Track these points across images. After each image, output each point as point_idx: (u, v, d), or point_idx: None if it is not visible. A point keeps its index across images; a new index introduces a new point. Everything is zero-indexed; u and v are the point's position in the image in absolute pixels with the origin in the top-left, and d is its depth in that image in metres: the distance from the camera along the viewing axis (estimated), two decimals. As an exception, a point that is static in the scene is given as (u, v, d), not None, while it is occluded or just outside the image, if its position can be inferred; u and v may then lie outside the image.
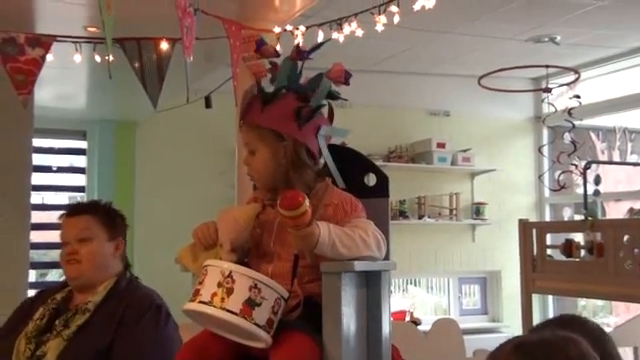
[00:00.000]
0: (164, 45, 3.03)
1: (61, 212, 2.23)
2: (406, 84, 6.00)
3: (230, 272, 1.56)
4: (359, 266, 1.64)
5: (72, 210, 2.20)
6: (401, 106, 6.15)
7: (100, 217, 2.18)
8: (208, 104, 4.82)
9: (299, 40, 3.08)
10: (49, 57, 2.97)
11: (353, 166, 1.94)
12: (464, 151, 6.25)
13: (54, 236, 5.94)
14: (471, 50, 5.23)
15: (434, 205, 6.17)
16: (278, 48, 1.87)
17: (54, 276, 5.84)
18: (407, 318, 5.90)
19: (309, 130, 1.77)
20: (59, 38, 3.02)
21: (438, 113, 6.38)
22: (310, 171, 1.77)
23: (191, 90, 2.77)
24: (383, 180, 1.95)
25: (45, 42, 2.96)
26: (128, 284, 2.18)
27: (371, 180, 1.97)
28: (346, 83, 1.80)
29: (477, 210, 6.32)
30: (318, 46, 1.84)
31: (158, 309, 2.07)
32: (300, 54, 1.78)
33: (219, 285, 1.55)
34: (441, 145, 6.10)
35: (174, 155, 5.68)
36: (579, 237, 3.82)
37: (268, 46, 1.84)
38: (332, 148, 1.84)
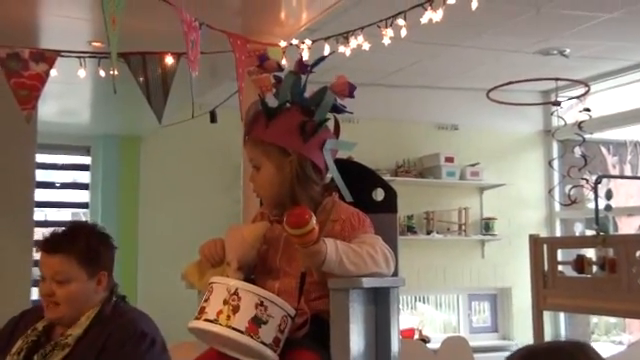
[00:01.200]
0: (169, 59, 3.04)
1: (41, 241, 2.05)
2: (414, 98, 6.01)
3: (236, 289, 1.56)
4: (367, 282, 1.63)
5: (46, 247, 2.02)
6: (409, 120, 6.16)
7: (76, 256, 1.98)
8: (213, 119, 4.84)
9: (304, 54, 3.09)
10: (53, 72, 2.99)
11: (361, 181, 1.94)
12: (473, 165, 6.24)
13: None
14: (479, 63, 5.24)
15: (442, 220, 6.15)
16: (284, 62, 1.89)
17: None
18: (416, 336, 5.87)
19: (314, 144, 1.77)
20: (63, 53, 3.04)
21: (446, 127, 6.38)
22: (316, 186, 1.77)
23: (196, 104, 2.78)
24: (391, 195, 1.95)
25: (49, 57, 2.98)
26: (113, 310, 2.03)
27: (379, 195, 1.97)
28: (350, 96, 1.80)
29: (486, 225, 6.30)
30: (321, 59, 1.85)
31: (142, 336, 1.93)
32: (302, 67, 1.79)
33: (225, 302, 1.55)
34: (449, 159, 6.09)
35: (179, 170, 5.69)
36: (591, 253, 3.80)
37: (271, 61, 1.85)
38: (339, 163, 1.85)
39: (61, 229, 2.06)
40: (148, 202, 5.68)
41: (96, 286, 2.02)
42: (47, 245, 2.02)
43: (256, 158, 1.77)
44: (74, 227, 2.08)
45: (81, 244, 2.01)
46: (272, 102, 1.81)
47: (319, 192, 1.78)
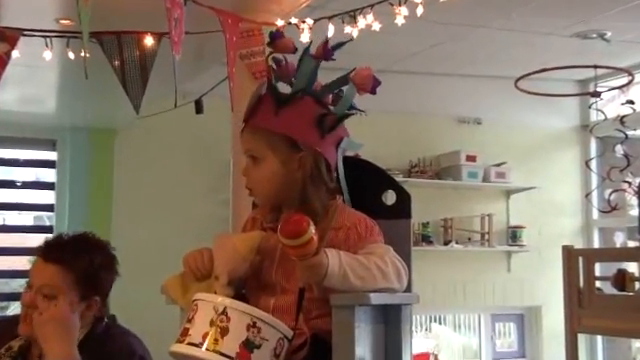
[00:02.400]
0: (149, 40, 3.05)
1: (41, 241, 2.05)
2: (430, 87, 6.01)
3: (225, 308, 1.56)
4: (376, 299, 1.63)
5: (43, 252, 2.00)
6: (425, 112, 6.16)
7: (75, 273, 1.97)
8: (199, 109, 4.85)
9: (305, 35, 3.10)
10: (15, 54, 2.99)
11: (369, 182, 1.95)
12: (498, 165, 6.24)
13: (17, 262, 5.93)
14: (507, 47, 5.24)
15: (463, 229, 6.15)
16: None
17: (17, 310, 5.82)
18: (431, 361, 5.88)
19: (330, 141, 1.79)
20: (26, 32, 3.04)
21: (468, 121, 6.38)
22: (325, 188, 1.78)
23: (180, 93, 2.78)
24: (404, 199, 1.95)
25: (10, 36, 2.98)
26: (105, 332, 2.03)
27: (390, 198, 1.97)
28: (372, 92, 1.81)
29: (513, 235, 6.30)
30: (341, 44, 1.85)
31: None
32: (327, 53, 1.79)
33: (212, 323, 1.55)
34: (471, 158, 6.10)
35: (159, 168, 5.69)
36: (633, 267, 3.80)
37: (285, 40, 1.84)
38: (345, 161, 1.85)
39: (67, 236, 2.06)
40: (123, 205, 5.68)
41: (85, 310, 2.02)
42: (45, 251, 2.01)
43: (257, 149, 1.77)
44: (82, 238, 2.08)
45: (84, 260, 2.01)
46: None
47: (327, 196, 1.79)
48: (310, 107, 1.78)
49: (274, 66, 1.84)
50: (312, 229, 1.52)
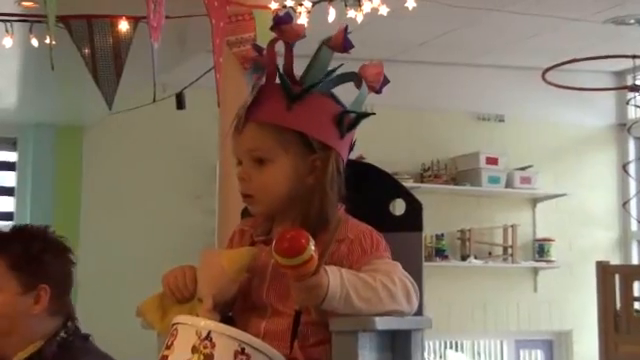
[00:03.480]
0: (123, 25, 3.06)
1: None
2: (445, 79, 6.02)
3: (209, 332, 1.56)
4: (382, 323, 1.63)
5: None
6: (438, 108, 6.17)
7: (9, 259, 1.98)
8: (181, 104, 4.85)
9: (302, 19, 3.10)
10: (-31, 40, 2.99)
11: (375, 189, 1.95)
12: (523, 169, 6.25)
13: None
14: (532, 34, 5.25)
15: (482, 242, 6.15)
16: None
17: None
18: (445, 394, 5.88)
19: (347, 143, 1.82)
20: (-17, 15, 3.04)
21: (488, 118, 6.39)
22: (336, 195, 1.79)
23: (158, 85, 2.79)
24: (414, 208, 1.95)
25: (-35, 21, 2.98)
26: (60, 352, 2.00)
27: (398, 208, 1.97)
28: (378, 91, 1.82)
29: (540, 249, 6.30)
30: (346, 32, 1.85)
31: None
32: (346, 44, 1.80)
33: (194, 350, 1.55)
34: (492, 161, 6.11)
35: (134, 172, 5.70)
36: (678, 286, 3.80)
37: (295, 25, 1.83)
38: (347, 165, 1.85)
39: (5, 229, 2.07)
40: (93, 214, 5.68)
41: (33, 304, 2.01)
42: None
43: (264, 148, 1.76)
44: (16, 227, 2.11)
45: (17, 247, 2.02)
46: (248, 80, 1.83)
47: (337, 205, 1.80)
48: (327, 103, 1.79)
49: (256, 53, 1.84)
50: (312, 246, 1.51)
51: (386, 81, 1.83)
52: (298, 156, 1.76)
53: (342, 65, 1.83)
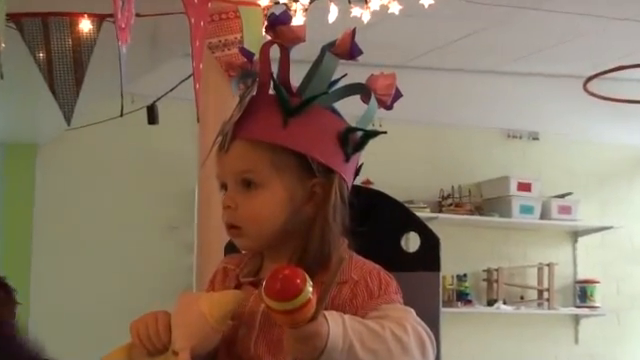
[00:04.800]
0: (85, 25, 3.07)
1: None
2: (468, 89, 6.04)
3: (185, 392, 1.56)
4: (392, 381, 1.64)
5: None
6: (460, 124, 6.19)
7: None
8: (153, 118, 4.85)
9: (298, 18, 3.12)
10: None
11: (384, 220, 1.96)
12: (562, 197, 6.26)
13: None
14: (572, 36, 5.27)
15: (513, 284, 6.15)
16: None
17: None
18: None
19: (352, 166, 1.83)
20: None
21: (520, 135, 6.41)
22: (340, 227, 1.79)
23: (127, 95, 2.80)
24: (431, 243, 1.96)
25: None
26: None
27: (412, 243, 1.98)
28: (389, 107, 1.83)
29: (582, 292, 6.30)
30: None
31: None
32: (354, 51, 1.80)
33: (167, 413, 1.55)
34: (525, 187, 6.12)
35: (97, 197, 5.70)
36: None
37: (294, 27, 1.84)
38: (352, 191, 1.86)
39: None
40: (47, 246, 5.68)
41: None
42: None
43: (254, 171, 1.76)
44: None
45: None
46: (234, 90, 1.84)
47: (340, 239, 1.81)
48: (329, 119, 1.80)
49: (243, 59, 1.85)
50: (309, 288, 1.51)
51: (398, 95, 1.84)
52: (295, 180, 1.77)
53: (346, 75, 1.84)
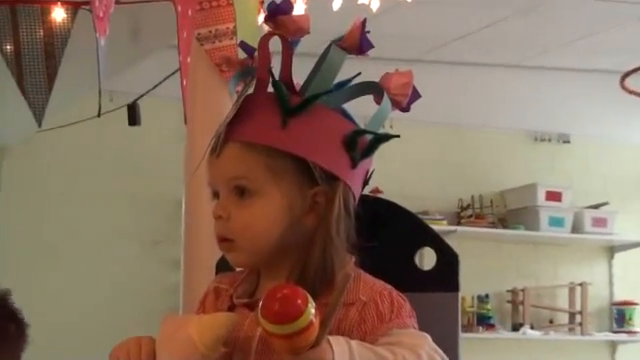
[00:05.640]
0: (58, 13, 3.08)
1: None
2: (490, 86, 6.05)
3: None
4: (405, 415, 1.64)
5: None
6: (481, 125, 6.19)
7: None
8: (134, 118, 4.85)
9: (299, 6, 3.13)
10: None
11: (395, 234, 1.97)
12: (596, 207, 6.25)
13: None
14: (607, 25, 5.28)
15: (541, 306, 6.14)
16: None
17: None
18: None
19: (360, 174, 1.83)
20: None
21: (548, 138, 6.41)
22: (344, 242, 1.79)
23: (105, 93, 2.80)
24: (448, 260, 1.97)
25: None
26: None
27: (427, 259, 1.99)
28: (405, 109, 1.84)
29: (620, 315, 6.29)
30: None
31: None
32: (365, 45, 1.81)
33: None
34: (554, 196, 6.12)
35: (71, 208, 5.70)
36: None
37: (295, 17, 1.84)
38: (360, 201, 1.87)
39: None
40: (12, 261, 5.67)
41: None
42: None
43: (249, 177, 1.77)
44: None
45: None
46: (231, 91, 1.86)
47: (346, 255, 1.81)
48: (335, 120, 1.80)
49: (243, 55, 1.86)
50: (312, 309, 1.51)
51: (416, 95, 1.84)
52: (294, 188, 1.77)
53: (359, 74, 1.84)
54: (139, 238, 5.66)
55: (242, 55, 1.90)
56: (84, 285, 5.59)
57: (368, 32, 1.82)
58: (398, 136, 1.84)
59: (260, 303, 1.53)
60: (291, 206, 1.77)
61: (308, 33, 1.81)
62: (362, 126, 1.81)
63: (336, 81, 1.84)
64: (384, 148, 1.86)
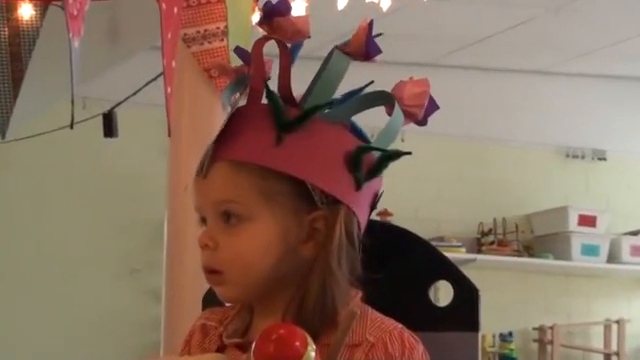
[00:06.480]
0: (25, 10, 3.08)
1: None
2: (514, 95, 6.06)
3: None
4: None
5: None
6: (505, 140, 6.20)
7: None
8: (110, 129, 4.85)
9: (299, 4, 3.14)
10: None
11: (407, 265, 1.97)
12: (635, 234, 6.25)
13: None
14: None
15: (572, 346, 6.14)
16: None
17: None
18: None
19: (367, 196, 1.82)
20: None
21: (582, 155, 6.41)
22: (347, 275, 1.78)
23: (78, 100, 2.80)
24: (467, 294, 1.97)
25: None
26: None
27: (443, 294, 1.99)
28: (422, 122, 1.83)
29: (662, 356, 6.29)
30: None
31: None
32: (371, 48, 1.80)
33: None
34: (588, 220, 6.12)
35: (38, 230, 5.71)
36: None
37: (293, 18, 1.84)
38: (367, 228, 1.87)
39: None
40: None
41: None
42: None
43: (238, 201, 1.76)
44: None
45: None
46: (225, 103, 1.85)
47: (349, 289, 1.80)
48: (336, 135, 1.80)
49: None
50: (312, 352, 1.52)
51: (433, 106, 1.84)
52: (290, 214, 1.76)
53: (372, 82, 1.84)
54: (114, 266, 5.66)
55: (237, 61, 1.90)
56: (51, 318, 5.59)
57: (379, 35, 1.82)
58: (409, 153, 1.82)
59: (253, 344, 1.53)
60: (286, 233, 1.76)
61: (308, 37, 1.81)
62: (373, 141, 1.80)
63: (346, 90, 1.84)
64: (394, 165, 1.86)
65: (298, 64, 1.84)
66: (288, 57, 1.80)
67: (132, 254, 5.58)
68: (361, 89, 1.84)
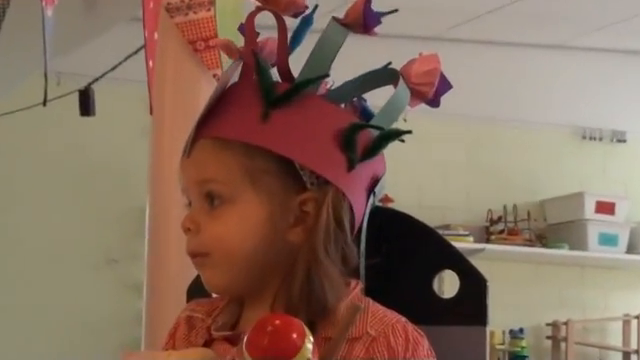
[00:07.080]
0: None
1: None
2: (526, 71, 6.06)
3: None
4: None
5: None
6: (516, 120, 6.20)
7: None
8: (87, 107, 4.84)
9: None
10: None
11: (409, 254, 1.98)
12: (657, 223, 6.28)
13: None
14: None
15: (588, 343, 6.16)
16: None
17: None
18: None
19: (362, 178, 1.82)
20: None
21: (600, 137, 6.43)
22: (342, 264, 1.79)
23: (52, 75, 2.81)
24: (475, 286, 1.97)
25: None
26: None
27: (448, 285, 2.00)
28: (434, 102, 1.83)
29: (685, 356, 6.31)
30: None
31: None
32: (370, 18, 1.81)
33: None
34: (606, 207, 6.13)
35: (9, 216, 5.72)
36: None
37: None
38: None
39: None
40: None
41: None
42: None
43: (220, 181, 1.77)
44: None
45: None
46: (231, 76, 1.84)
47: (342, 278, 1.79)
48: (328, 112, 1.81)
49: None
50: (309, 345, 1.52)
51: (445, 84, 1.85)
52: (276, 195, 1.77)
53: (391, 63, 1.84)
54: (91, 256, 5.67)
55: (224, 33, 1.91)
56: (25, 312, 5.60)
57: (393, 11, 1.83)
58: (410, 132, 1.83)
59: (245, 337, 1.53)
60: (272, 216, 1.77)
61: (305, 9, 1.82)
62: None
63: (363, 71, 1.83)
64: (396, 147, 1.86)
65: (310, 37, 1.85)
66: (285, 30, 1.81)
67: (110, 243, 5.59)
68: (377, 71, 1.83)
